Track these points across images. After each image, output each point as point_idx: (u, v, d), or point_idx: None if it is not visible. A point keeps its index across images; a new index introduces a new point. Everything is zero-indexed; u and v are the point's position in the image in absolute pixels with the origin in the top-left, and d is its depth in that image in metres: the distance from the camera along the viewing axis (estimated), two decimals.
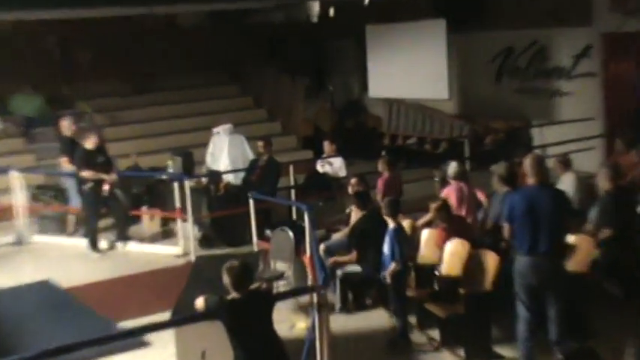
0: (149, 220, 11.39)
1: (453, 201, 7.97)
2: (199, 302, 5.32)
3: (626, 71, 12.69)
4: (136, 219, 11.26)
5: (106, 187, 10.22)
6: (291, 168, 10.87)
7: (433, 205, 7.54)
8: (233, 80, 17.16)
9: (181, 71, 16.04)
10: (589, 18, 12.74)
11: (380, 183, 9.42)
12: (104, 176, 10.23)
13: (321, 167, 11.42)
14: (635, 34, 12.12)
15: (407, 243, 7.21)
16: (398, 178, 9.71)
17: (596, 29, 12.70)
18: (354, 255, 7.83)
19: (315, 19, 13.63)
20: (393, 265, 6.95)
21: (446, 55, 14.06)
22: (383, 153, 11.11)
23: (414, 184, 10.85)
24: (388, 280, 7.00)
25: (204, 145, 12.55)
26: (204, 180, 10.99)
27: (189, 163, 11.61)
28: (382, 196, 8.90)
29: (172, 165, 11.51)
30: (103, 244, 10.49)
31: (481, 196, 8.39)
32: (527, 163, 6.21)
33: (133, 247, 10.48)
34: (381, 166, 9.65)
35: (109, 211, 10.73)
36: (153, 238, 10.97)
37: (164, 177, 11.39)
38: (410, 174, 11.49)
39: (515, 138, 13.80)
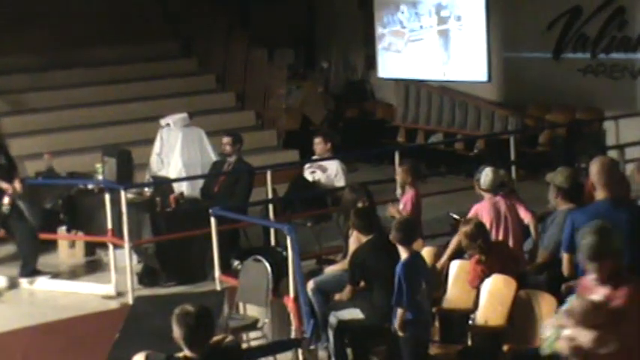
0: (68, 247, 11.37)
1: (484, 222, 8.04)
2: None
3: None
4: (50, 245, 11.24)
5: (5, 201, 10.21)
6: (268, 174, 10.91)
7: (463, 229, 7.59)
8: (188, 53, 17.21)
9: (115, 39, 16.08)
10: None
11: (408, 202, 9.42)
12: (3, 185, 10.22)
13: (310, 174, 11.46)
14: None
15: (428, 279, 7.24)
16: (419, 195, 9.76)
17: None
18: (347, 291, 7.86)
19: None
20: (399, 312, 7.01)
21: (485, 20, 14.14)
22: (397, 156, 11.15)
23: (438, 197, 10.90)
24: (399, 331, 7.04)
25: (149, 141, 12.57)
26: (147, 190, 11.02)
27: (127, 167, 11.62)
28: None
29: (103, 169, 11.53)
30: (0, 281, 10.48)
31: (526, 216, 8.43)
32: (596, 169, 6.25)
33: (44, 285, 10.46)
34: (402, 176, 9.66)
35: (10, 235, 10.72)
36: (74, 273, 10.96)
37: (90, 186, 11.39)
38: (433, 184, 11.54)
39: (581, 135, 13.87)
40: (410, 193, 9.50)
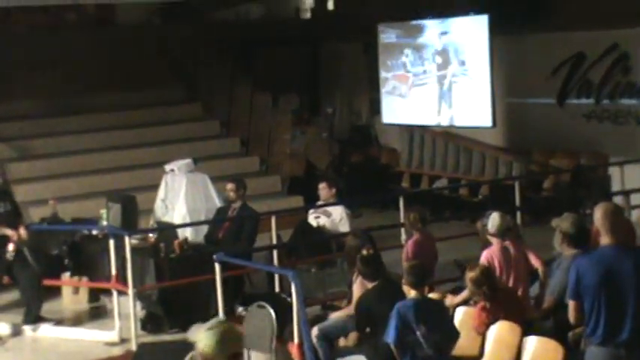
0: (72, 294, 11.37)
1: (494, 267, 8.04)
2: None
3: None
4: (54, 291, 11.25)
5: (10, 247, 10.23)
6: (272, 220, 10.93)
7: (469, 275, 7.59)
8: (192, 98, 17.31)
9: (120, 85, 16.19)
10: None
11: (410, 248, 9.45)
12: (8, 231, 10.25)
13: (314, 219, 11.49)
14: None
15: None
16: (431, 240, 9.76)
17: None
18: (353, 337, 7.86)
19: (307, 15, 13.81)
20: (392, 348, 7.04)
21: (489, 65, 14.22)
22: (401, 201, 11.17)
23: (442, 243, 10.89)
24: None
25: (153, 187, 12.61)
26: (152, 236, 11.04)
27: (131, 213, 11.67)
28: None
29: (107, 215, 11.56)
30: (3, 328, 10.46)
31: (537, 262, 8.44)
32: (599, 215, 6.26)
33: (47, 331, 10.43)
34: (409, 223, 9.69)
35: (14, 281, 10.72)
36: (77, 319, 10.95)
37: (95, 232, 11.41)
38: (438, 229, 11.54)
39: (586, 181, 13.88)
40: (413, 237, 9.55)
